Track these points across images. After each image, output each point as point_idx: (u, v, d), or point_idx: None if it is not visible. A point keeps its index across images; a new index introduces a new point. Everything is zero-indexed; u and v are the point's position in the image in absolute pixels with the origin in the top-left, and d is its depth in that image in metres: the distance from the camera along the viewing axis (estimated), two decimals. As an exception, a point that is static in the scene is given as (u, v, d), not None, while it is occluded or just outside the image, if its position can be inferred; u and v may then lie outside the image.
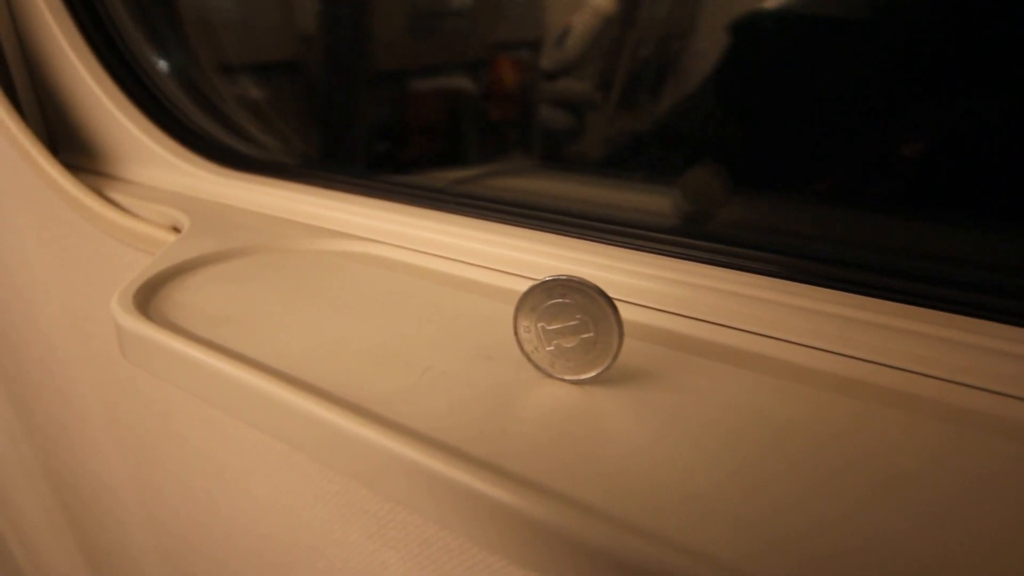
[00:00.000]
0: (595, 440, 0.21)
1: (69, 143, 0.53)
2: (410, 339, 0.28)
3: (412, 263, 0.36)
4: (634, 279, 0.30)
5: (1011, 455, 0.20)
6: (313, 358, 0.26)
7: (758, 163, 0.33)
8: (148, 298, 0.31)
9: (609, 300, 0.22)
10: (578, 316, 0.23)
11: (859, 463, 0.20)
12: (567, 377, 0.24)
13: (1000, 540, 0.17)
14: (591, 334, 0.23)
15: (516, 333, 0.24)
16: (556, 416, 0.22)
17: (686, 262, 0.30)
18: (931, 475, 0.19)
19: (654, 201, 0.36)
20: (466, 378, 0.24)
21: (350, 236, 0.39)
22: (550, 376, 0.24)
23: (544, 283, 0.23)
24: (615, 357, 0.23)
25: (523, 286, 0.24)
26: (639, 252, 0.31)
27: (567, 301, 0.23)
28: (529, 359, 0.24)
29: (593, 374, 0.23)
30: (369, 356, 0.26)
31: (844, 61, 0.29)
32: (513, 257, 0.33)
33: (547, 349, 0.24)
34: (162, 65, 0.52)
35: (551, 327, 0.23)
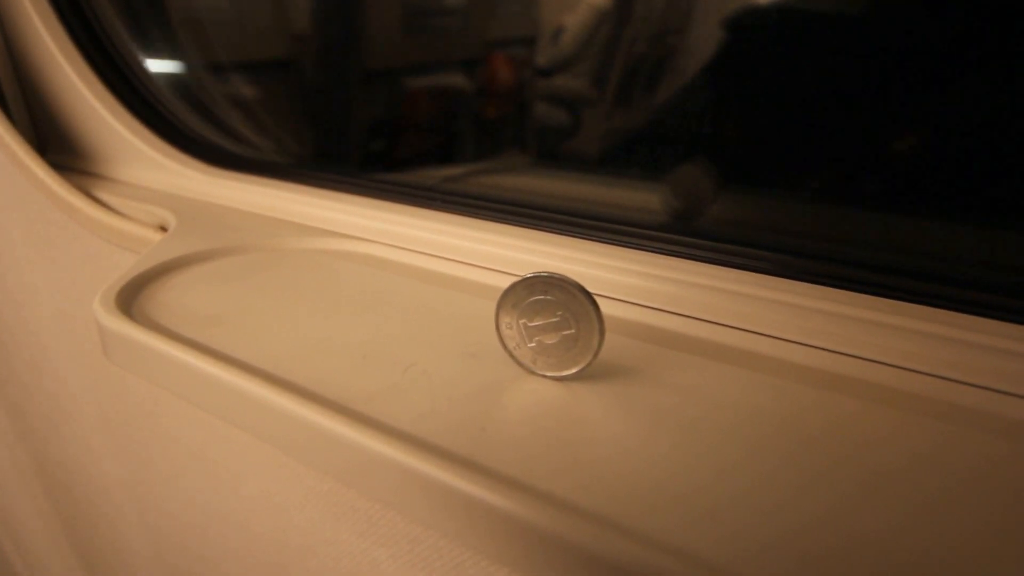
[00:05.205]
0: (576, 437, 0.21)
1: (57, 143, 0.53)
2: (395, 337, 0.27)
3: (400, 261, 0.36)
4: (622, 276, 0.29)
5: (1001, 451, 0.20)
6: (297, 357, 0.26)
7: (749, 159, 0.33)
8: (131, 298, 0.31)
9: (590, 296, 0.22)
10: (559, 313, 0.22)
11: (849, 460, 0.20)
12: (549, 374, 0.24)
13: (990, 537, 0.17)
14: (572, 331, 0.22)
15: (498, 330, 0.24)
16: (538, 413, 0.22)
17: (674, 259, 0.29)
18: (922, 472, 0.19)
19: (649, 198, 0.36)
20: (448, 375, 0.24)
21: (338, 235, 0.39)
22: (532, 373, 0.24)
23: (525, 280, 0.22)
24: (596, 354, 0.23)
25: (509, 283, 0.23)
26: (627, 249, 0.31)
27: (548, 298, 0.22)
28: (511, 356, 0.24)
29: (575, 371, 0.23)
30: (354, 354, 0.26)
31: (837, 57, 0.28)
32: (500, 254, 0.33)
33: (529, 346, 0.23)
34: (150, 64, 0.52)
35: (533, 324, 0.23)
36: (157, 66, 0.53)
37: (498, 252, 0.33)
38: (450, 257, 0.35)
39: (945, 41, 0.26)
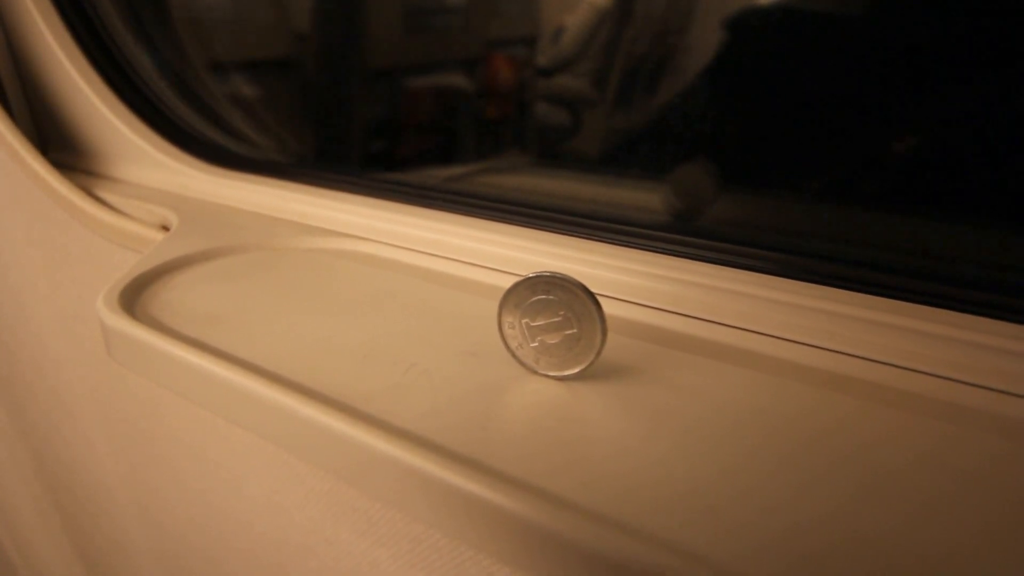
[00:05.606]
0: (578, 436, 0.21)
1: (59, 142, 0.53)
2: (396, 336, 0.27)
3: (402, 261, 0.36)
4: (623, 275, 0.29)
5: (1002, 450, 0.20)
6: (299, 356, 0.26)
7: (750, 159, 0.33)
8: (134, 297, 0.31)
9: (592, 296, 0.22)
10: (562, 312, 0.22)
11: (850, 460, 0.20)
12: (551, 373, 0.24)
13: (991, 537, 0.17)
14: (575, 330, 0.22)
15: (501, 329, 0.24)
16: (540, 412, 0.22)
17: (675, 258, 0.29)
18: (922, 472, 0.19)
19: (650, 198, 0.36)
20: (450, 375, 0.24)
21: (340, 234, 0.39)
22: (535, 372, 0.24)
23: (528, 279, 0.22)
24: (598, 353, 0.23)
25: (510, 283, 0.23)
26: (628, 248, 0.31)
27: (551, 297, 0.22)
28: (514, 355, 0.24)
29: (577, 370, 0.23)
30: (355, 354, 0.26)
31: (837, 57, 0.28)
32: (502, 254, 0.33)
33: (531, 345, 0.23)
34: (151, 63, 0.52)
35: (535, 323, 0.23)
36: (158, 64, 0.53)
37: (500, 252, 0.33)
38: (452, 257, 0.35)
39: (945, 40, 0.26)
